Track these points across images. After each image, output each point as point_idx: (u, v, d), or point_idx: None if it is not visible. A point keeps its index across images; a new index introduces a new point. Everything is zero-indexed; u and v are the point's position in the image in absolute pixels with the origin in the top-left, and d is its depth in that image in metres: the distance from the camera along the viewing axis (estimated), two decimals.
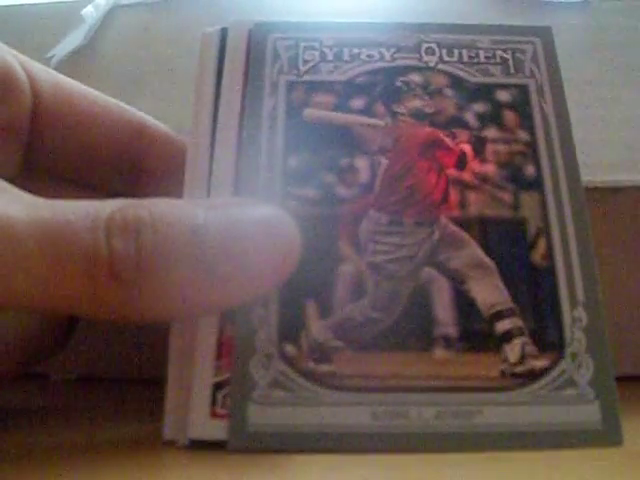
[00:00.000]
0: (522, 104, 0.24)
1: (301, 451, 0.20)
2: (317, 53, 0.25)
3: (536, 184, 0.23)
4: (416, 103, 0.24)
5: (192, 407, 0.20)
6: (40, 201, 0.19)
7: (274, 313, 0.21)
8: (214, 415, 0.20)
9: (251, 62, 0.25)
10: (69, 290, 0.19)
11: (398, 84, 0.25)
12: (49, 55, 0.35)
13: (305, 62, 0.25)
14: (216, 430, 0.20)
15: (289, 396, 0.20)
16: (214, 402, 0.20)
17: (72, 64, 0.35)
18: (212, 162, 0.23)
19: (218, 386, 0.20)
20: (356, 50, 0.25)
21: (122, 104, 0.27)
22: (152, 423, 0.21)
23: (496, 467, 0.19)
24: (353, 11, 0.34)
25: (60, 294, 0.19)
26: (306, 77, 0.25)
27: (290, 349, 0.21)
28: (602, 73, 0.31)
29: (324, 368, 0.21)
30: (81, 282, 0.18)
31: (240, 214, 0.21)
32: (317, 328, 0.21)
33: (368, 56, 0.25)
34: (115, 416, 0.26)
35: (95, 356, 0.32)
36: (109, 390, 0.32)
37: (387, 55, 0.25)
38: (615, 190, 0.28)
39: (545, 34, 0.25)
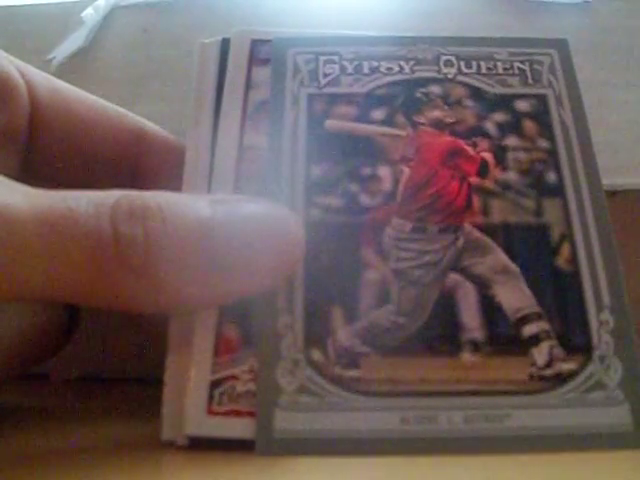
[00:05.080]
0: (541, 113, 0.24)
1: (329, 456, 0.19)
2: (337, 66, 0.25)
3: (558, 190, 0.23)
4: (436, 113, 0.25)
5: (189, 404, 0.20)
6: (39, 191, 0.19)
7: (300, 319, 0.21)
8: (211, 412, 0.20)
9: (272, 75, 0.25)
10: (73, 278, 0.18)
11: (418, 95, 0.25)
12: (50, 57, 0.35)
13: (325, 75, 0.25)
14: (213, 427, 0.20)
15: (316, 402, 0.20)
16: (211, 399, 0.20)
17: (72, 66, 0.35)
18: (212, 167, 0.24)
19: (215, 383, 0.20)
20: (375, 63, 0.26)
21: (120, 109, 0.27)
22: (152, 423, 0.21)
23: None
24: (353, 14, 0.35)
25: (64, 282, 0.18)
26: (326, 90, 0.25)
27: (317, 355, 0.21)
28: (602, 75, 0.32)
29: (351, 373, 0.21)
30: (86, 269, 0.18)
31: (247, 210, 0.21)
32: (344, 334, 0.21)
33: (388, 69, 0.25)
34: (114, 416, 0.26)
35: (95, 356, 0.32)
36: (109, 390, 0.31)
37: (406, 68, 0.25)
38: (612, 193, 0.28)
39: (561, 45, 0.26)
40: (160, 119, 0.29)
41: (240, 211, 0.21)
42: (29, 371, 0.27)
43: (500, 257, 0.22)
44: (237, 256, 0.20)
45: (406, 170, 0.24)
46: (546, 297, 0.22)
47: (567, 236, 0.23)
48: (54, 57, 0.35)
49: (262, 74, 0.25)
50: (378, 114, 0.25)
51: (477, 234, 0.23)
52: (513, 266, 0.22)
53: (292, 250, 0.21)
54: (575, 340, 0.21)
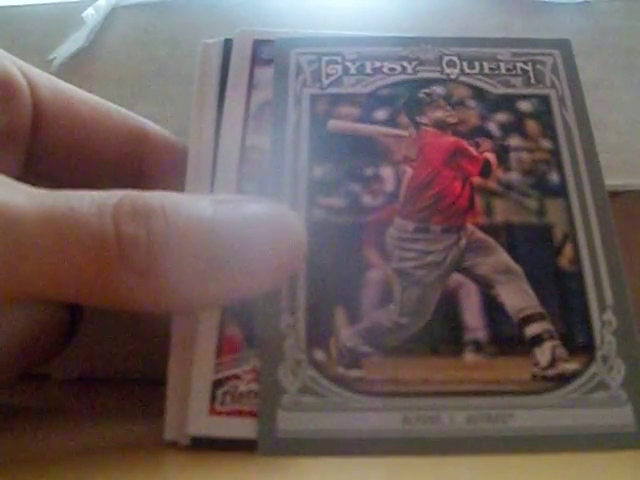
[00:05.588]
0: (544, 113, 0.24)
1: (331, 456, 0.19)
2: (340, 67, 0.25)
3: (561, 191, 0.23)
4: (439, 114, 0.25)
5: (191, 404, 0.20)
6: (41, 191, 0.19)
7: (302, 319, 0.21)
8: (213, 412, 0.20)
9: (274, 76, 0.25)
10: (76, 278, 0.18)
11: (421, 96, 0.25)
12: (50, 57, 0.35)
13: (328, 75, 0.25)
14: (215, 427, 0.20)
15: (319, 402, 0.20)
16: (213, 399, 0.20)
17: (73, 66, 0.35)
18: (214, 167, 0.24)
19: (218, 383, 0.20)
20: (378, 64, 0.26)
21: (122, 109, 0.27)
22: (153, 423, 0.21)
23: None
24: (355, 14, 0.35)
25: (66, 282, 0.18)
26: (329, 90, 0.25)
27: (319, 355, 0.21)
28: (602, 75, 0.32)
29: (354, 373, 0.21)
30: (88, 269, 0.18)
31: (249, 210, 0.21)
32: (346, 334, 0.21)
33: (390, 69, 0.25)
34: (115, 416, 0.26)
35: (95, 356, 0.32)
36: (109, 390, 0.31)
37: (409, 68, 0.25)
38: (614, 194, 0.28)
39: (564, 46, 0.26)
40: (161, 119, 0.29)
41: (242, 211, 0.21)
42: (31, 371, 0.27)
43: (503, 257, 0.22)
44: (239, 256, 0.20)
45: (409, 170, 0.24)
46: (549, 297, 0.22)
47: (570, 236, 0.23)
48: (55, 57, 0.35)
49: (265, 74, 0.25)
50: (381, 114, 0.25)
51: (480, 234, 0.23)
52: (516, 266, 0.22)
53: (294, 250, 0.21)
54: (578, 340, 0.21)
